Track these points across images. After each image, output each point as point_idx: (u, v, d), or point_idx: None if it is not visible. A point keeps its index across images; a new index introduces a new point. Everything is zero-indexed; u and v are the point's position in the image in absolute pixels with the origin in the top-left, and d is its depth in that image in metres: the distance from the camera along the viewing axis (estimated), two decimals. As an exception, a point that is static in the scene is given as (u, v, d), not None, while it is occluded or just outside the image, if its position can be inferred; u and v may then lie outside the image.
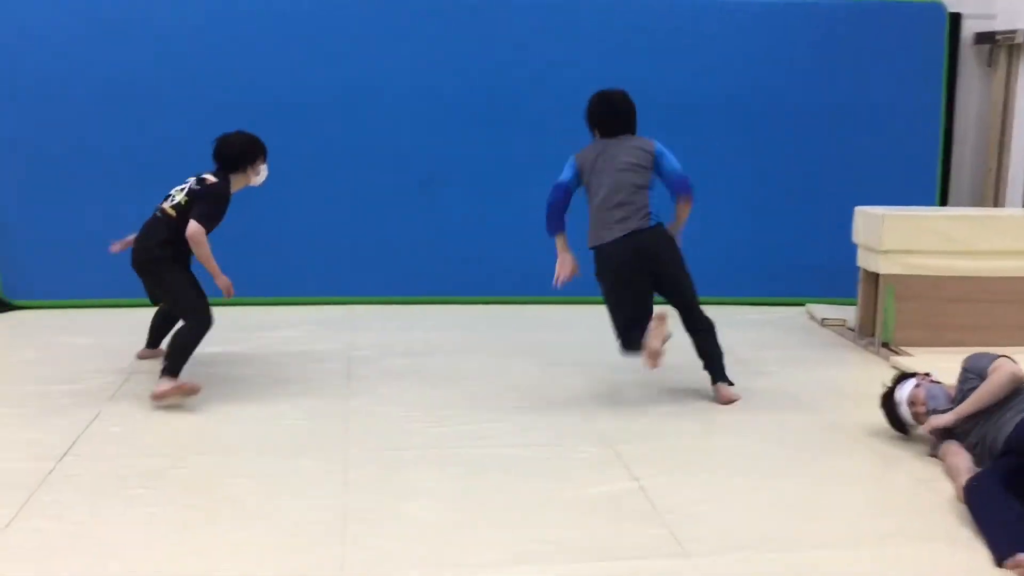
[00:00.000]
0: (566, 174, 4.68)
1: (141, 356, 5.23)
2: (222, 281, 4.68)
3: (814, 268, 6.94)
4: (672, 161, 4.65)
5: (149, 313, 5.26)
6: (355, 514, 3.37)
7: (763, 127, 6.92)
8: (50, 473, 3.69)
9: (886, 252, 5.62)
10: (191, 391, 4.50)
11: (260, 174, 4.86)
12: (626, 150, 4.62)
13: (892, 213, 5.67)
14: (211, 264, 4.61)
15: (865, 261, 5.85)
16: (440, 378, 5.05)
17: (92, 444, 4.02)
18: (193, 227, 4.53)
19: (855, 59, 6.93)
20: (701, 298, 4.75)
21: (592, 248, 4.64)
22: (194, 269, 4.77)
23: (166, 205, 4.72)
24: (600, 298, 4.73)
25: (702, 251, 6.67)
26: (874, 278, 5.79)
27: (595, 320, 5.19)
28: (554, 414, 4.50)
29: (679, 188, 4.64)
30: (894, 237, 5.60)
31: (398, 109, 6.71)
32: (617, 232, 4.53)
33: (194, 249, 4.59)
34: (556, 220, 4.67)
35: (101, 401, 4.56)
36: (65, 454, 3.88)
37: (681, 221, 4.72)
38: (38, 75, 6.37)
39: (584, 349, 5.54)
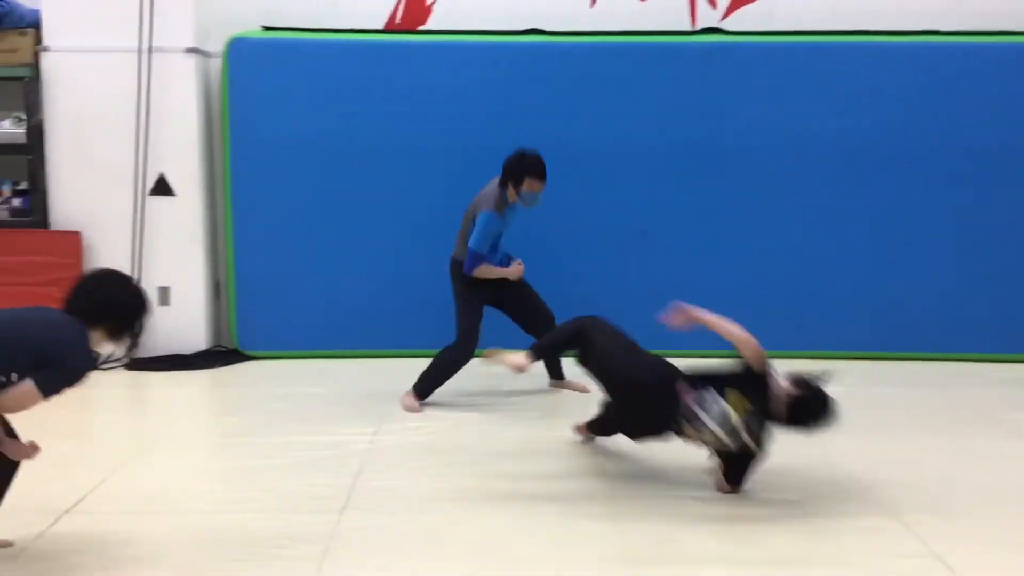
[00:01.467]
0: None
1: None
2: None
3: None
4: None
5: (367, 363, 5.52)
6: None
7: (1002, 175, 6.65)
8: (337, 525, 3.78)
9: None
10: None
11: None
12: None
13: None
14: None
15: None
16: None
17: (364, 498, 4.11)
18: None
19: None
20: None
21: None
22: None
23: None
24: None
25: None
26: None
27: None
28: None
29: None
30: None
31: (613, 161, 6.73)
32: None
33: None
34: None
35: (359, 454, 4.69)
36: (344, 507, 3.98)
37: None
38: (277, 135, 6.68)
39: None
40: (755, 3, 6.95)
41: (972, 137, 6.63)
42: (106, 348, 3.30)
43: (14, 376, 3.13)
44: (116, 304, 3.36)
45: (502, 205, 5.40)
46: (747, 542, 3.66)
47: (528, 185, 5.34)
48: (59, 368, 3.19)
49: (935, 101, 6.62)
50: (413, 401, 5.50)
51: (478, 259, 5.36)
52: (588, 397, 5.29)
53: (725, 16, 6.93)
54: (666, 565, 3.45)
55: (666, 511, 3.95)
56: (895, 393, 5.89)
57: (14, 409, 3.25)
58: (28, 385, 3.15)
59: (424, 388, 5.53)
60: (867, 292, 6.78)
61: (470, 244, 5.36)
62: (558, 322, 5.14)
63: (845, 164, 6.69)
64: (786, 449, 4.77)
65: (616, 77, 6.65)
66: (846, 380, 6.11)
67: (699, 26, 6.90)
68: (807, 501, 4.09)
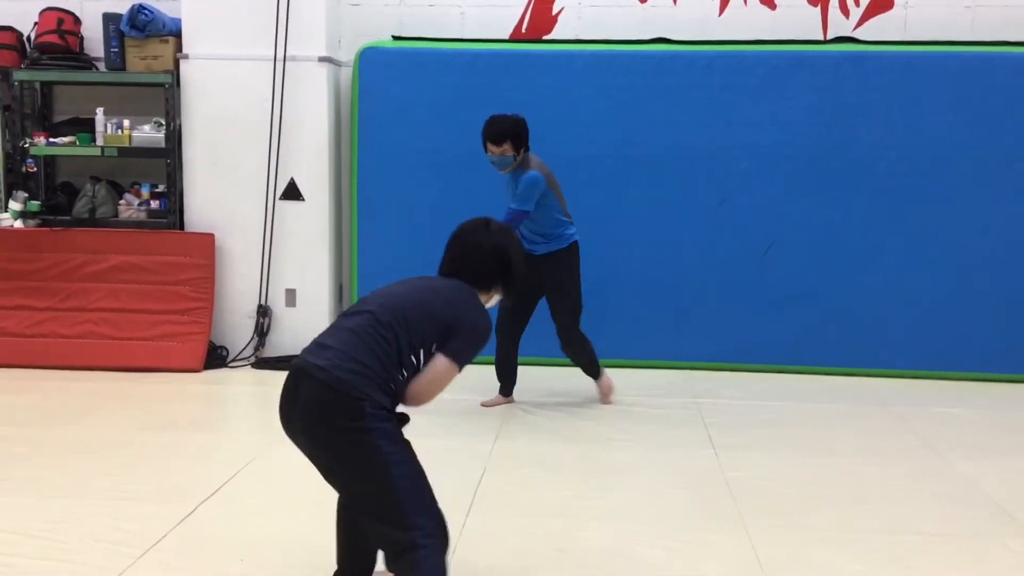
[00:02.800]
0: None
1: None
2: None
3: None
4: None
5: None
6: None
7: None
8: (463, 527, 3.79)
9: None
10: None
11: None
12: None
13: None
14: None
15: None
16: (809, 448, 4.86)
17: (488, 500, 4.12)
18: None
19: None
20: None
21: (570, 244, 5.53)
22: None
23: None
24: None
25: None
26: None
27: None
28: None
29: None
30: None
31: (740, 170, 6.62)
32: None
33: None
34: None
35: (483, 456, 4.71)
36: (469, 509, 3.99)
37: None
38: (403, 144, 6.78)
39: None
40: (889, 12, 6.77)
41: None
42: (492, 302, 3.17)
43: (433, 348, 2.88)
44: (504, 262, 3.06)
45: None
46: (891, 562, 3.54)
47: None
48: (466, 336, 2.90)
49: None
50: (607, 382, 5.76)
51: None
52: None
53: (858, 25, 6.77)
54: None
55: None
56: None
57: (429, 392, 2.89)
58: (441, 361, 2.87)
59: (595, 370, 5.74)
60: (1005, 308, 6.50)
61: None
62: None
63: (981, 177, 6.46)
64: (918, 469, 4.62)
65: (744, 86, 6.56)
66: (976, 403, 5.94)
67: (831, 35, 6.76)
68: (950, 523, 3.93)
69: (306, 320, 6.84)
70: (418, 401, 2.89)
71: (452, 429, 5.15)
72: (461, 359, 2.89)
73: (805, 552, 3.61)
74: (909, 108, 6.47)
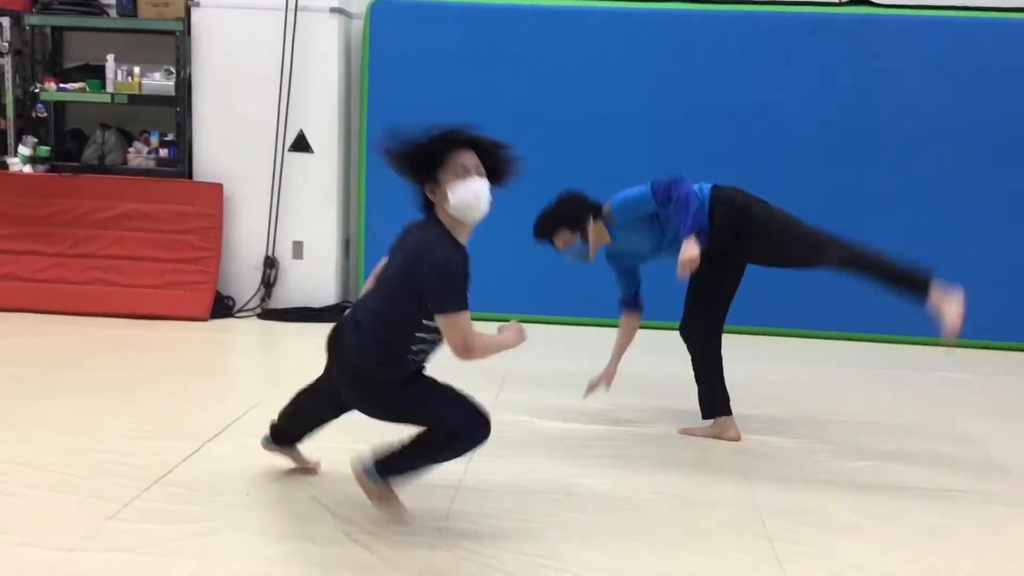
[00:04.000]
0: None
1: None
2: None
3: None
4: None
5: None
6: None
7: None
8: (464, 473, 3.83)
9: None
10: None
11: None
12: None
13: None
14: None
15: None
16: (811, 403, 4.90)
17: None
18: None
19: None
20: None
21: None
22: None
23: None
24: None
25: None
26: None
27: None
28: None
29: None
30: None
31: (755, 130, 6.61)
32: None
33: None
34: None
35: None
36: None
37: None
38: (413, 97, 6.75)
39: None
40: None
41: None
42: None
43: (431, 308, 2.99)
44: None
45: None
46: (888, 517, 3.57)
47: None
48: (429, 284, 2.97)
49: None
50: None
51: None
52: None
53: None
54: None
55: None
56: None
57: (466, 350, 3.00)
58: (440, 321, 2.98)
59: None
60: (997, 277, 6.48)
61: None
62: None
63: (999, 146, 6.43)
64: (921, 429, 4.66)
65: (761, 46, 6.53)
66: (983, 368, 5.96)
67: (847, -1, 6.72)
68: (951, 481, 3.97)
69: (312, 273, 6.88)
70: (470, 359, 3.03)
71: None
72: (447, 305, 2.97)
73: (805, 499, 3.65)
74: (927, 74, 6.45)
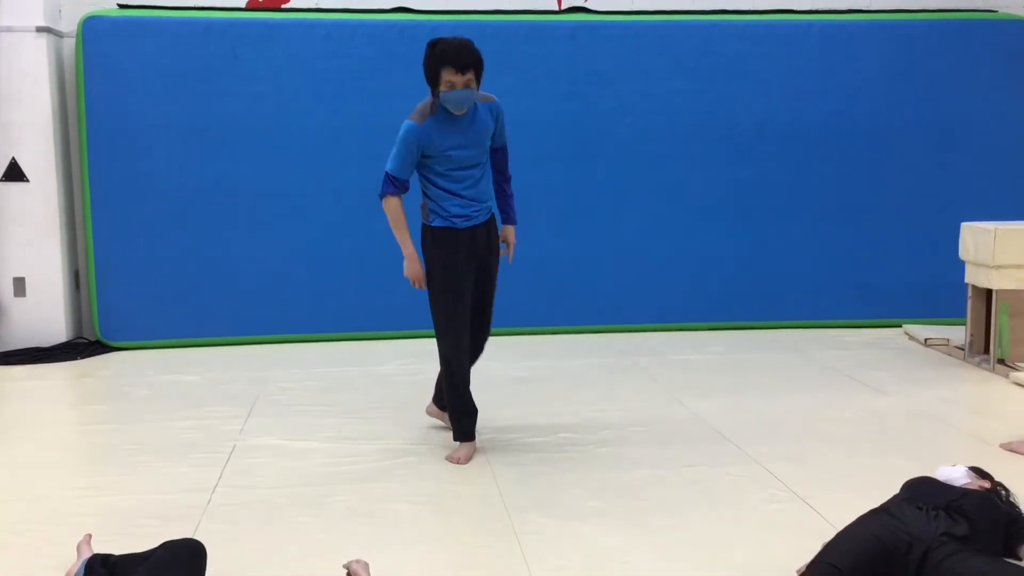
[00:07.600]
0: None
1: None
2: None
3: (907, 288, 6.92)
4: None
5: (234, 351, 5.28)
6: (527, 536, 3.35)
7: (854, 149, 6.92)
8: (208, 504, 3.68)
9: (999, 267, 5.57)
10: None
11: None
12: None
13: (1004, 228, 5.62)
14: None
15: (975, 277, 5.80)
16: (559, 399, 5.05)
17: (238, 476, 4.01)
18: None
19: (945, 77, 6.90)
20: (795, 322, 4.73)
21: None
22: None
23: None
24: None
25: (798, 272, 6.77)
26: (985, 294, 5.74)
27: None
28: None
29: None
30: (1006, 252, 5.56)
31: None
32: None
33: None
34: None
35: (232, 435, 4.57)
36: (216, 486, 3.87)
37: None
38: (136, 118, 6.44)
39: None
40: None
41: (822, 112, 6.87)
42: None
43: None
44: None
45: (426, 114, 4.03)
46: (625, 496, 3.73)
47: (445, 81, 3.94)
48: None
49: (790, 79, 6.87)
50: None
51: (390, 184, 4.07)
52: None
53: (588, -2, 7.02)
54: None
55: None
56: (762, 358, 6.09)
57: None
58: None
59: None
60: (717, 264, 6.92)
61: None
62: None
63: (709, 143, 6.87)
64: (657, 411, 4.91)
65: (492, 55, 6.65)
66: (712, 348, 6.39)
67: (565, 6, 6.98)
68: (682, 457, 4.19)
69: (38, 310, 6.44)
70: None
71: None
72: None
73: (550, 492, 3.75)
74: (642, 77, 6.79)
